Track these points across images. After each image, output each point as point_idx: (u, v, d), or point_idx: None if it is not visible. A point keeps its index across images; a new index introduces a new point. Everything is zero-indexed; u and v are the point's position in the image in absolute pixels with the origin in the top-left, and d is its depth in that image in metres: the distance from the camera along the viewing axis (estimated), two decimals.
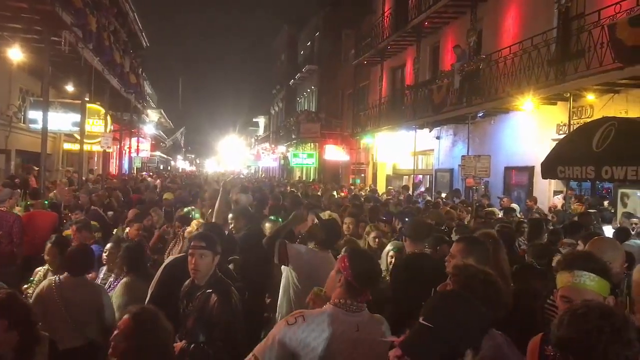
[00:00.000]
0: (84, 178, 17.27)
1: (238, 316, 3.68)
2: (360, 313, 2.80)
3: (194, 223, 5.80)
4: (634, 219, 9.32)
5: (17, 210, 8.90)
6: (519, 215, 11.08)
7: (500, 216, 10.09)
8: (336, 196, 14.52)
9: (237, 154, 68.93)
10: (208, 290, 3.70)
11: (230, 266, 5.36)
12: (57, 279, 4.58)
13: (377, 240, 6.30)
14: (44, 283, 4.63)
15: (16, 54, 12.36)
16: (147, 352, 2.79)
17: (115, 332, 2.87)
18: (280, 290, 4.90)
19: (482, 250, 3.63)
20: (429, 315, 2.04)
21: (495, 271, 3.75)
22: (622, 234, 7.34)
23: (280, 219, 6.21)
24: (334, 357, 2.66)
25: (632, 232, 8.15)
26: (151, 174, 35.27)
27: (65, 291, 4.46)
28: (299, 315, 2.76)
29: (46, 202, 9.79)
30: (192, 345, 3.55)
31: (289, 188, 18.58)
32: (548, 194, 13.38)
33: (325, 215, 6.18)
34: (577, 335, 1.90)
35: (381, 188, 21.75)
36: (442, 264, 3.53)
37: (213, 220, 6.05)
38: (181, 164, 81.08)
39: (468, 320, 2.03)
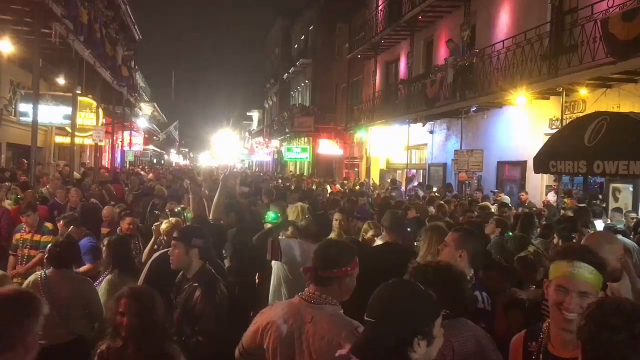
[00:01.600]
0: (77, 174, 17.16)
1: (221, 311, 3.64)
2: (322, 306, 2.67)
3: (166, 221, 5.66)
4: (632, 214, 9.36)
5: (7, 203, 8.82)
6: (512, 209, 11.10)
7: (493, 210, 10.09)
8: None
9: (231, 148, 68.81)
10: (194, 284, 3.69)
11: (226, 261, 5.32)
12: (42, 273, 4.52)
13: (375, 238, 6.24)
14: (30, 278, 4.57)
15: (6, 46, 12.21)
16: (149, 329, 2.91)
17: (120, 310, 2.98)
18: (271, 288, 4.87)
19: (477, 243, 3.62)
20: (370, 309, 2.00)
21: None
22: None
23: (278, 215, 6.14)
24: (285, 344, 2.67)
25: (622, 227, 8.18)
26: (145, 167, 35.16)
27: (51, 286, 4.40)
28: (270, 306, 2.89)
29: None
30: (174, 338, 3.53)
31: (280, 182, 18.56)
32: (540, 188, 13.41)
33: (298, 207, 6.12)
34: (596, 330, 1.86)
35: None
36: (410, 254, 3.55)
37: (211, 215, 6.02)
38: (174, 157, 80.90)
39: (410, 307, 1.97)
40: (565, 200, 10.89)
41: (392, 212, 5.51)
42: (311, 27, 35.46)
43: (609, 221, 9.31)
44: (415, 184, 18.99)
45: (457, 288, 2.74)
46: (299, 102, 37.89)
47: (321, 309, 2.66)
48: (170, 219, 5.55)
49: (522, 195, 12.36)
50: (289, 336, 2.66)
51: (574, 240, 5.78)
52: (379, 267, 3.89)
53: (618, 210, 9.61)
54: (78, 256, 4.83)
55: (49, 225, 6.92)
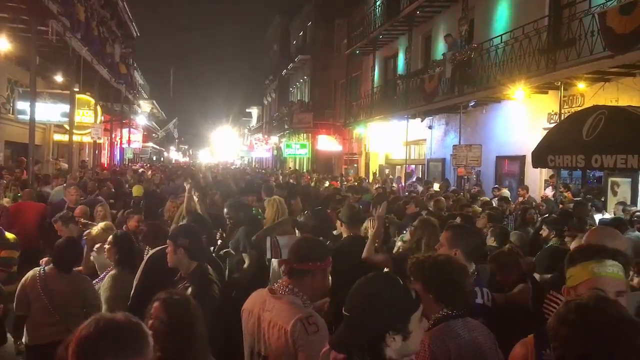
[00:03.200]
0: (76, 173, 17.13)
1: (209, 314, 3.50)
2: (284, 295, 2.70)
3: (99, 225, 5.48)
4: (633, 208, 9.32)
5: (5, 201, 8.83)
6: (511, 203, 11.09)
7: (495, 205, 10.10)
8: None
9: (231, 144, 68.80)
10: (187, 284, 3.68)
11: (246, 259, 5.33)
12: (41, 270, 4.52)
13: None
14: (29, 274, 4.57)
15: (3, 43, 12.19)
16: (182, 341, 2.73)
17: (150, 321, 2.77)
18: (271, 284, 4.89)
19: (470, 238, 3.59)
20: (347, 303, 1.99)
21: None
22: (618, 225, 7.20)
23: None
24: (248, 331, 2.76)
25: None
26: (145, 164, 35.16)
27: (50, 283, 4.41)
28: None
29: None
30: None
31: (280, 178, 18.55)
32: (539, 183, 13.40)
33: (275, 200, 6.18)
34: (557, 327, 1.82)
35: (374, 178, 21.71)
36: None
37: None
38: (174, 155, 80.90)
39: (385, 302, 1.93)
40: (565, 194, 10.88)
41: (350, 206, 5.62)
42: (309, 23, 35.40)
43: (607, 215, 9.30)
44: (414, 179, 18.98)
45: (457, 284, 2.63)
46: (298, 98, 37.87)
47: (281, 299, 2.69)
48: (100, 224, 5.42)
49: (521, 191, 12.34)
50: (252, 324, 2.73)
51: (565, 234, 5.77)
52: (348, 261, 4.03)
53: (621, 203, 9.58)
54: (80, 257, 4.86)
55: (10, 236, 5.64)
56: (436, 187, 14.70)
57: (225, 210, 6.05)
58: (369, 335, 1.91)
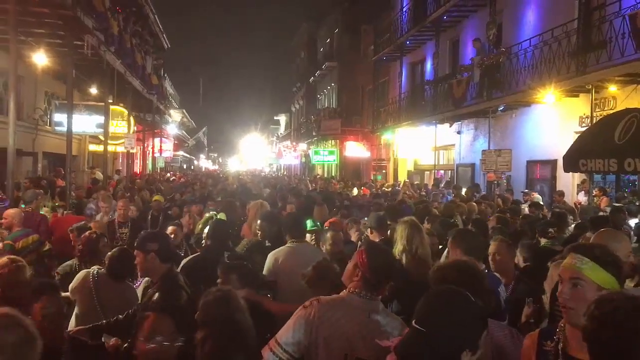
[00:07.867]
0: (109, 180, 17.54)
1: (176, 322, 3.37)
2: (374, 302, 2.83)
3: None
4: None
5: (45, 211, 9.09)
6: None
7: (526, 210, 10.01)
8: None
9: (259, 152, 69.38)
10: (155, 290, 3.67)
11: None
12: (95, 272, 4.62)
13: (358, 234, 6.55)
14: (80, 274, 4.68)
15: (41, 58, 12.64)
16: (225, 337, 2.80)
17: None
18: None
19: (470, 239, 3.86)
20: (422, 318, 1.96)
21: (409, 254, 4.24)
22: None
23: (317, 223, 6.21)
24: (341, 337, 2.72)
25: None
26: (176, 173, 35.74)
27: (100, 287, 4.52)
28: (315, 300, 2.87)
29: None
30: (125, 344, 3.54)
31: (309, 185, 18.68)
32: (572, 188, 13.21)
33: (257, 203, 6.47)
34: (599, 329, 1.83)
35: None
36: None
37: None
38: (204, 163, 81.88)
39: (464, 319, 1.94)
40: (595, 200, 10.70)
41: (377, 214, 5.85)
42: (336, 29, 35.55)
43: None
44: (441, 185, 18.82)
45: (479, 290, 2.60)
46: (326, 105, 38.01)
47: (374, 305, 2.83)
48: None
49: (557, 197, 12.16)
50: (347, 330, 2.73)
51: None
52: None
53: None
54: (133, 269, 4.94)
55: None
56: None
57: (259, 221, 5.70)
58: (447, 352, 1.91)
